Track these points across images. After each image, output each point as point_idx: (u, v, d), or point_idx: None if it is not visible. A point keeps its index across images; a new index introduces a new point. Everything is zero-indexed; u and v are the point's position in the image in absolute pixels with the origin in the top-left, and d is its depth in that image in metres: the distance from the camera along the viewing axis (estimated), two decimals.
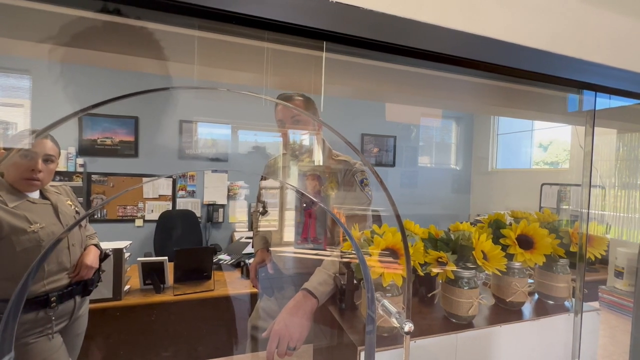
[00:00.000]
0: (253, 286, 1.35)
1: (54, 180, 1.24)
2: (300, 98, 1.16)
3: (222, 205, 3.56)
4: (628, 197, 2.00)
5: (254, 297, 1.92)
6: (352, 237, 0.57)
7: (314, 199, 1.11)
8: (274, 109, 1.19)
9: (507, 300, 0.90)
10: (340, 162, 1.20)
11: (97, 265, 1.31)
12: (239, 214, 3.62)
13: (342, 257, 0.93)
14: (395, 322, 0.58)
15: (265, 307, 1.28)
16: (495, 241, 0.91)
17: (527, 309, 0.93)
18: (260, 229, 1.39)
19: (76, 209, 1.30)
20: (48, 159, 1.16)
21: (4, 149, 1.21)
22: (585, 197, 0.93)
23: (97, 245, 1.37)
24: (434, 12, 0.60)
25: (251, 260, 2.20)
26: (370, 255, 0.77)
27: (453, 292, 0.82)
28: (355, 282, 0.88)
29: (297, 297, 0.91)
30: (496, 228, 0.98)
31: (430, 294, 0.93)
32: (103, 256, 1.41)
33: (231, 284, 2.04)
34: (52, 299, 1.17)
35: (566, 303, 0.96)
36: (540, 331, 0.88)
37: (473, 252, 0.84)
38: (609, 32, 0.77)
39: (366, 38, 0.54)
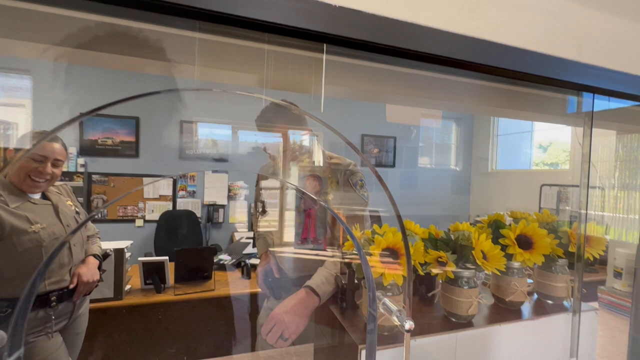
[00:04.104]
0: (262, 291, 1.35)
1: None
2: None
3: (222, 206, 3.56)
4: (628, 198, 2.01)
5: (254, 297, 1.93)
6: (354, 235, 0.58)
7: (314, 197, 1.11)
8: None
9: (507, 300, 0.91)
10: (332, 164, 1.19)
11: (97, 278, 1.30)
12: (239, 214, 3.63)
13: (343, 257, 0.93)
14: (396, 320, 0.59)
15: (273, 308, 1.28)
16: (495, 241, 0.91)
17: (526, 308, 0.94)
18: (260, 230, 1.39)
19: (76, 209, 1.30)
20: (56, 164, 1.17)
21: (5, 149, 1.21)
22: (583, 198, 0.93)
23: (95, 255, 1.37)
24: (433, 15, 0.60)
25: (252, 261, 2.21)
26: (371, 254, 0.78)
27: (453, 292, 0.83)
28: (356, 281, 0.89)
29: (299, 293, 0.92)
30: (496, 228, 0.98)
31: (430, 294, 0.94)
32: (104, 256, 1.41)
33: (232, 284, 2.04)
34: (52, 299, 1.17)
35: (565, 303, 0.97)
36: (539, 330, 0.89)
37: (473, 252, 0.85)
38: (607, 35, 0.78)
39: (366, 41, 0.55)
